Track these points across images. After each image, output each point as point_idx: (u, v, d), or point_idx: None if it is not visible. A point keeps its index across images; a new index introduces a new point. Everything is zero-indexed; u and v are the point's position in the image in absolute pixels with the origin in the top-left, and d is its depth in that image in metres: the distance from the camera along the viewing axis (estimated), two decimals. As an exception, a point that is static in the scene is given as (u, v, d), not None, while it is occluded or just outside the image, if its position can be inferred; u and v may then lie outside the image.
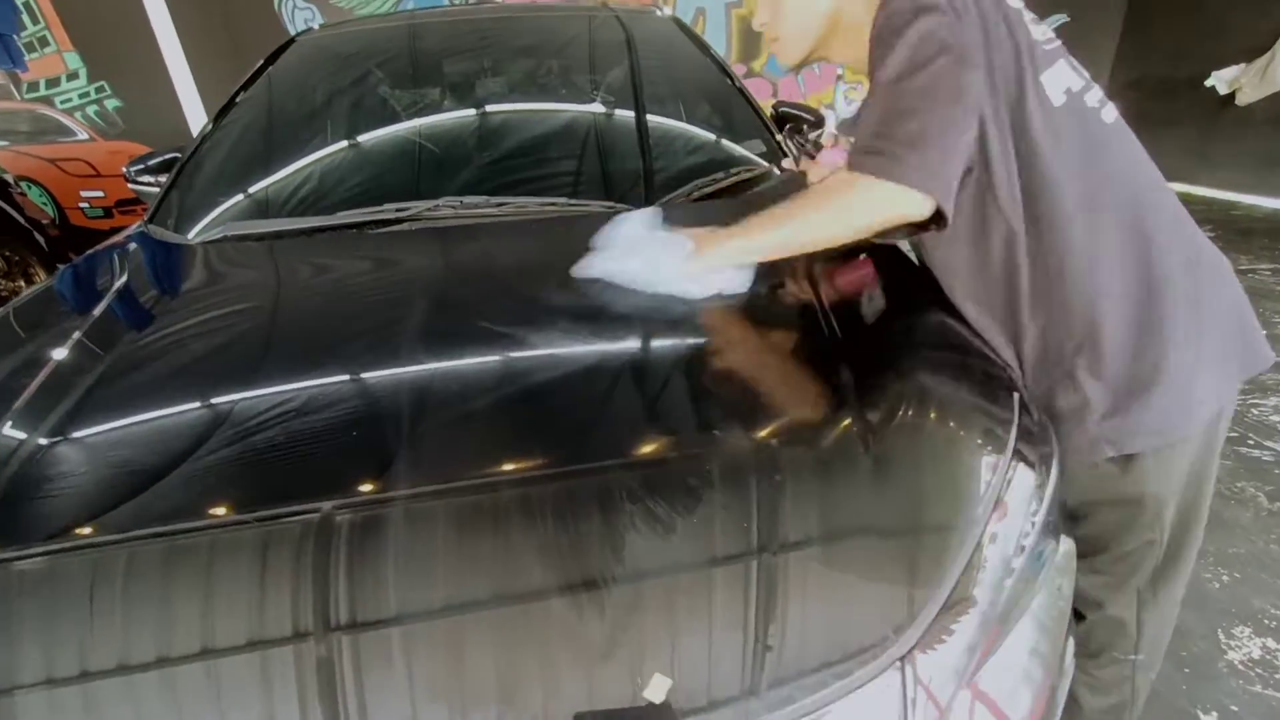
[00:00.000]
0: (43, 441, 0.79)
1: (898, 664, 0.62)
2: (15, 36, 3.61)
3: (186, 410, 0.83)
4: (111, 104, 5.61)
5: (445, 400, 0.82)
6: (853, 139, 0.94)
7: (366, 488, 0.70)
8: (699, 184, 1.35)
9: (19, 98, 5.50)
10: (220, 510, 0.69)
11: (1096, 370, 0.85)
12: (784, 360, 0.93)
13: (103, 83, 5.59)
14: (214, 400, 0.84)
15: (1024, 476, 0.75)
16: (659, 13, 2.08)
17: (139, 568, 0.65)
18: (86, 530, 0.68)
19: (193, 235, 1.31)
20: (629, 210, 1.29)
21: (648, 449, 0.76)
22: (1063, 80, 0.82)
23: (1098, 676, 1.05)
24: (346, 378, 0.86)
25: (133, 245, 1.32)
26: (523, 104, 1.72)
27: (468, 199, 1.28)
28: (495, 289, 1.09)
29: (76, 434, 0.82)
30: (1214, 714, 1.39)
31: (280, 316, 1.05)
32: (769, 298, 1.00)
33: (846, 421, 0.77)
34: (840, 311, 0.96)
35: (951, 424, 0.78)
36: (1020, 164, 0.81)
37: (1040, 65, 0.80)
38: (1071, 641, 0.87)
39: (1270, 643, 1.55)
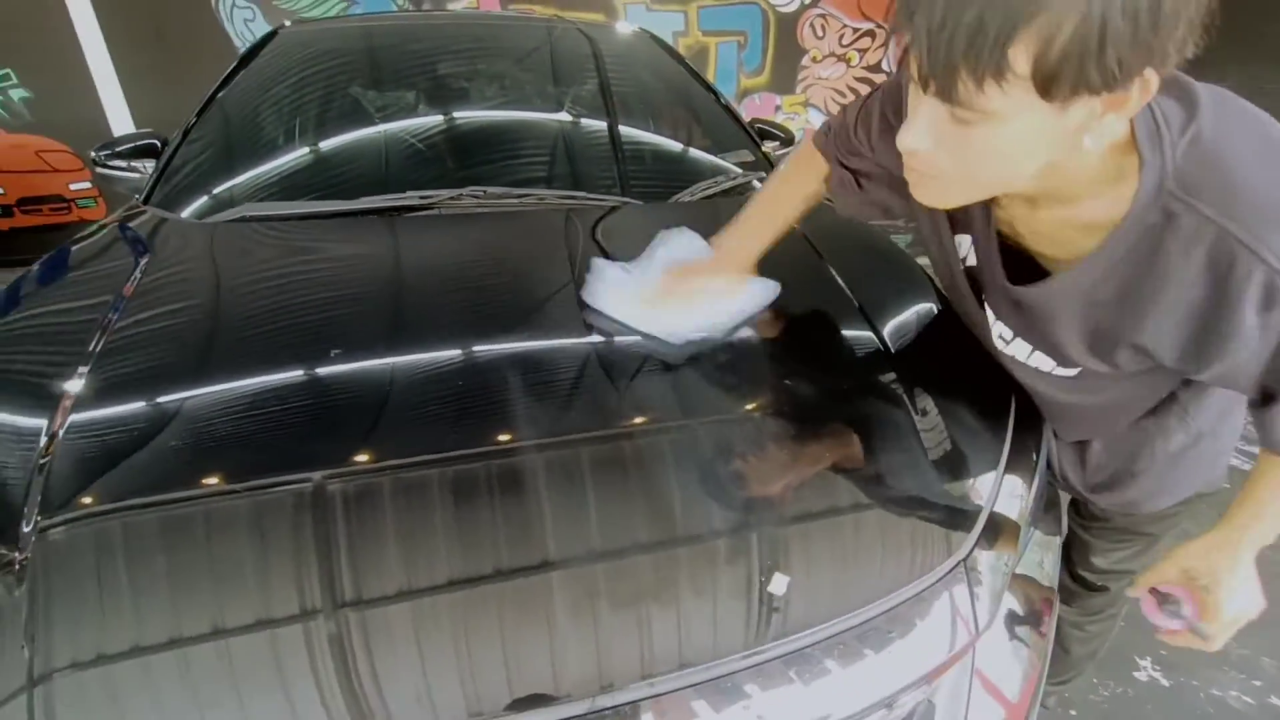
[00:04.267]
0: (97, 409, 0.80)
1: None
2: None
3: (238, 381, 0.88)
4: (18, 94, 5.18)
5: (479, 377, 0.91)
6: None
7: (417, 455, 0.79)
8: (696, 188, 1.46)
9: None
10: (258, 474, 0.76)
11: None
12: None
13: (8, 70, 5.16)
14: (268, 371, 0.87)
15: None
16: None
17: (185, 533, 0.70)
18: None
19: (208, 216, 1.29)
20: (636, 204, 1.38)
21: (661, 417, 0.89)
22: None
23: (1089, 630, 1.22)
24: (397, 354, 0.94)
25: (141, 226, 1.29)
26: (526, 110, 1.78)
27: (491, 189, 1.34)
28: (519, 274, 1.16)
29: (131, 402, 0.82)
30: (1148, 658, 1.59)
31: (314, 292, 1.08)
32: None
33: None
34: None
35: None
36: None
37: None
38: (1058, 608, 1.01)
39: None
